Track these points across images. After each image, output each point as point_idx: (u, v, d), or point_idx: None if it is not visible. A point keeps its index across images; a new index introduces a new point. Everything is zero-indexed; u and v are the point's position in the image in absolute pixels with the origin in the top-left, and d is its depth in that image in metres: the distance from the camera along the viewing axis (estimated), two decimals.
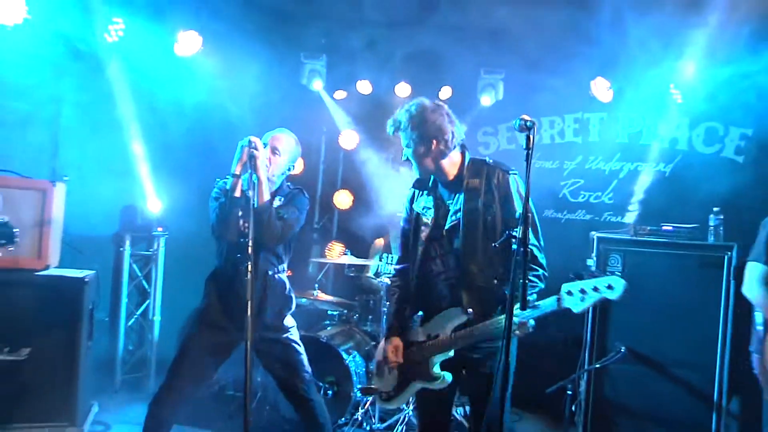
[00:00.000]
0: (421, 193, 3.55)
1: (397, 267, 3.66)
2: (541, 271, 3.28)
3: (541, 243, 3.35)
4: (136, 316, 6.57)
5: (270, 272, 3.94)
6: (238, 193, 3.73)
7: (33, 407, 4.55)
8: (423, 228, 3.49)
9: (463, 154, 3.46)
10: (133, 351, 6.62)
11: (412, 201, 3.59)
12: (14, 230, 3.04)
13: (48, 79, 5.81)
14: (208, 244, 4.19)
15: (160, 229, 6.43)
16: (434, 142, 3.35)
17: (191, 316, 5.81)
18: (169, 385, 3.83)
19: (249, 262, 3.38)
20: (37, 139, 5.79)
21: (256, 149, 3.66)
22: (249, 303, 3.34)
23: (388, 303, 3.68)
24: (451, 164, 3.43)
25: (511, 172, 3.36)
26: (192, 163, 6.24)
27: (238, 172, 3.72)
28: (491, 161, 3.43)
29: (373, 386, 3.66)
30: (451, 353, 3.35)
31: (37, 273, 4.65)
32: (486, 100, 6.61)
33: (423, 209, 3.50)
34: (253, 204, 3.58)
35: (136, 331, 6.65)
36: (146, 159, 6.36)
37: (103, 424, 5.28)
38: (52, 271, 4.77)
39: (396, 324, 3.56)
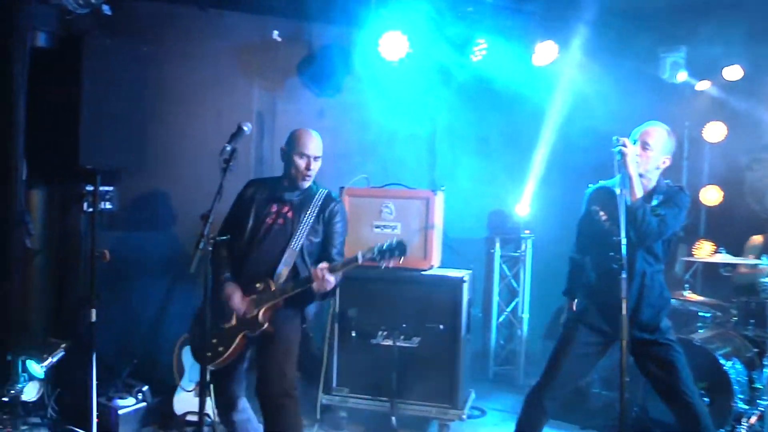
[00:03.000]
0: None
1: None
2: None
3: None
4: (506, 313, 6.61)
5: (647, 272, 3.63)
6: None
7: (422, 388, 4.70)
8: None
9: None
10: (504, 345, 6.66)
11: None
12: (406, 246, 3.47)
13: (425, 103, 6.06)
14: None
15: (527, 231, 6.36)
16: None
17: (562, 315, 5.63)
18: (547, 380, 3.73)
19: (623, 261, 3.20)
20: (419, 154, 6.09)
21: (624, 146, 3.43)
22: (624, 302, 3.19)
23: None
24: None
25: None
26: (556, 167, 6.08)
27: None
28: None
29: None
30: None
31: (423, 272, 4.80)
32: None
33: None
34: (626, 201, 3.36)
35: (506, 326, 6.68)
36: (525, 166, 6.29)
37: (479, 410, 5.39)
38: (436, 271, 4.89)
39: None
